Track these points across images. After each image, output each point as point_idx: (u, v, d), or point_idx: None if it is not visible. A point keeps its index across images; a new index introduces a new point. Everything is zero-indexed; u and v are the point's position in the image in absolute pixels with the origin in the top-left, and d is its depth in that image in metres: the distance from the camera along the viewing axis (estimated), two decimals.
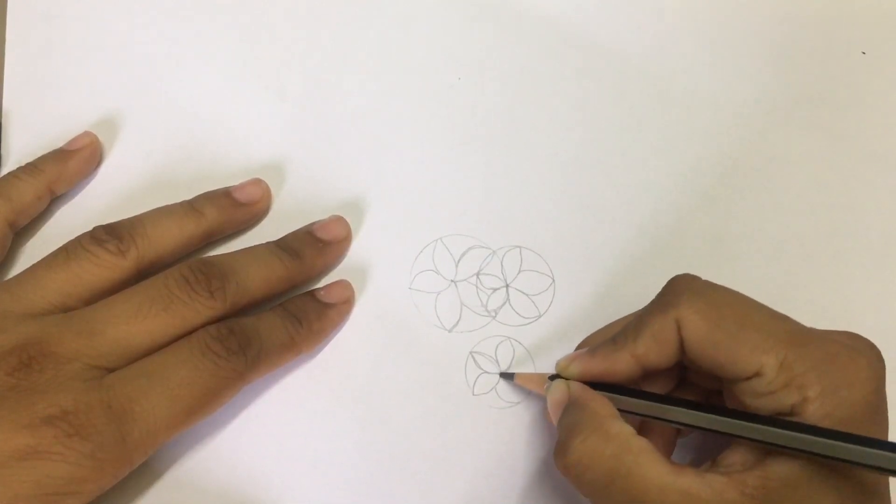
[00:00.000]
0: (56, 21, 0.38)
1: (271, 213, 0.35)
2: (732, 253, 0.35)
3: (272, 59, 0.37)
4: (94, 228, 0.31)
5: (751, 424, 0.24)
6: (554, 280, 0.34)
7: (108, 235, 0.30)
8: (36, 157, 0.34)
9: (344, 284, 0.33)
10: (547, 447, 0.32)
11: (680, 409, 0.26)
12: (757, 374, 0.25)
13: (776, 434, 0.24)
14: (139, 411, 0.27)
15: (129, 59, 0.37)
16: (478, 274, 0.34)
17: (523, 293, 0.34)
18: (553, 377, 0.30)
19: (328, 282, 0.34)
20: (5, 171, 0.34)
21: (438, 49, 0.38)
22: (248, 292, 0.31)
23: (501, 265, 0.34)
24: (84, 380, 0.27)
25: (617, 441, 0.25)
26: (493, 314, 0.34)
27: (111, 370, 0.28)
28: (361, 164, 0.36)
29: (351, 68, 0.37)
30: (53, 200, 0.34)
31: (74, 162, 0.34)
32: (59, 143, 0.35)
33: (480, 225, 0.35)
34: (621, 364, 0.28)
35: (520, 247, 0.35)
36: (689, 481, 0.24)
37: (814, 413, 0.24)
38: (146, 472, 0.30)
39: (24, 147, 0.36)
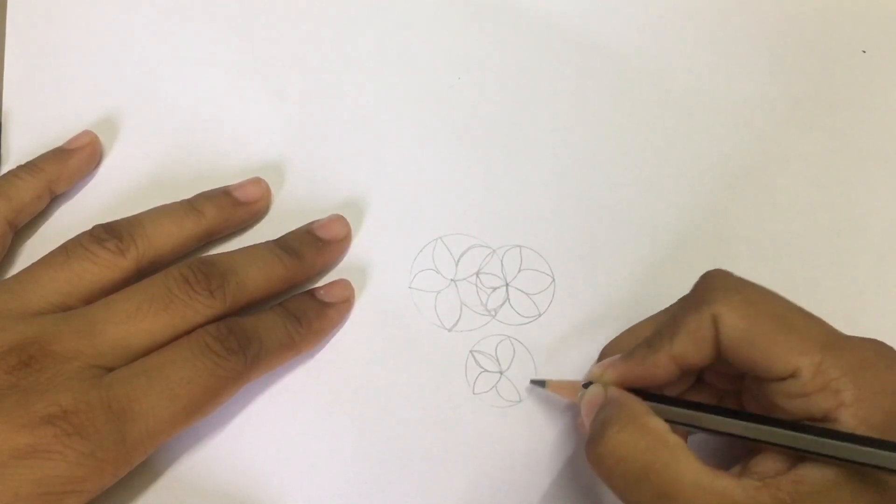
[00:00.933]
0: (56, 21, 0.38)
1: (271, 213, 0.35)
2: (732, 253, 0.35)
3: (272, 59, 0.37)
4: (94, 227, 0.31)
5: (789, 432, 0.24)
6: (554, 279, 0.34)
7: (108, 234, 0.30)
8: (36, 157, 0.34)
9: (344, 284, 0.33)
10: (547, 447, 0.32)
11: (717, 416, 0.26)
12: (792, 376, 0.25)
13: (812, 441, 0.24)
14: (139, 410, 0.27)
15: (129, 59, 0.37)
16: (478, 273, 0.34)
17: (523, 292, 0.34)
18: (586, 385, 0.29)
19: (328, 281, 0.34)
20: (5, 170, 0.34)
21: (438, 49, 0.38)
22: (247, 291, 0.31)
23: (501, 264, 0.34)
24: (84, 379, 0.27)
25: (654, 435, 0.25)
26: (493, 313, 0.34)
27: (111, 369, 0.28)
28: (361, 164, 0.36)
29: (351, 68, 0.37)
30: (53, 200, 0.34)
31: (74, 161, 0.34)
32: (59, 143, 0.35)
33: (480, 224, 0.35)
34: (659, 367, 0.27)
35: (520, 246, 0.35)
36: (725, 483, 0.24)
37: (849, 418, 0.24)
38: (146, 471, 0.30)
39: (24, 146, 0.36)
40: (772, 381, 0.25)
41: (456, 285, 0.34)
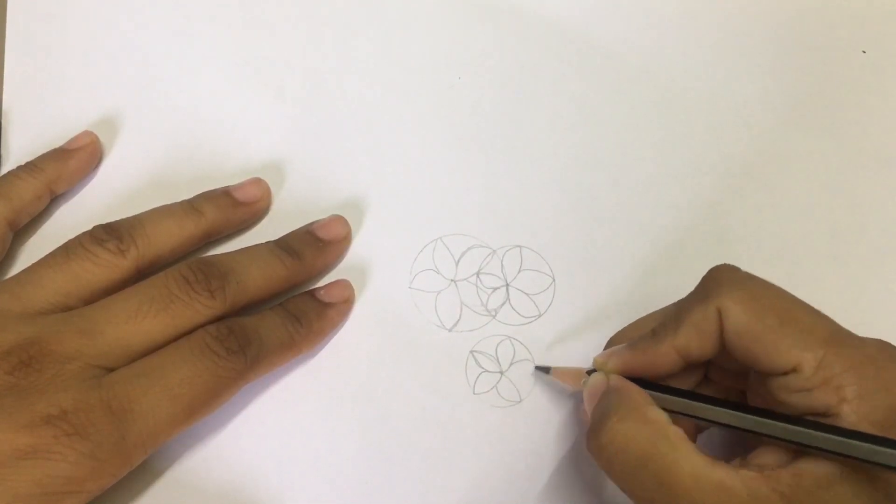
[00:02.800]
0: (56, 21, 0.38)
1: (271, 213, 0.35)
2: (732, 253, 0.35)
3: (272, 59, 0.37)
4: (94, 228, 0.31)
5: (789, 426, 0.24)
6: (554, 279, 0.34)
7: (108, 235, 0.30)
8: (36, 157, 0.34)
9: (344, 284, 0.33)
10: (547, 447, 0.32)
11: (718, 408, 0.26)
12: (794, 371, 0.25)
13: (813, 436, 0.24)
14: (139, 411, 0.27)
15: (129, 59, 0.37)
16: (478, 273, 0.34)
17: (523, 292, 0.34)
18: (590, 372, 0.29)
19: (328, 281, 0.34)
20: (5, 170, 0.34)
21: (438, 49, 0.38)
22: (247, 292, 0.31)
23: (501, 264, 0.34)
24: (84, 379, 0.27)
25: (654, 426, 0.25)
26: (494, 313, 0.34)
27: (111, 370, 0.28)
28: (361, 164, 0.36)
29: (351, 68, 0.37)
30: (53, 200, 0.34)
31: (74, 161, 0.34)
32: (59, 143, 0.35)
33: (480, 224, 0.35)
34: (663, 357, 0.27)
35: (520, 246, 0.35)
36: (724, 474, 0.24)
37: (851, 414, 0.24)
38: (146, 471, 0.30)
39: (24, 147, 0.36)
40: (774, 376, 0.25)
41: (456, 285, 0.34)
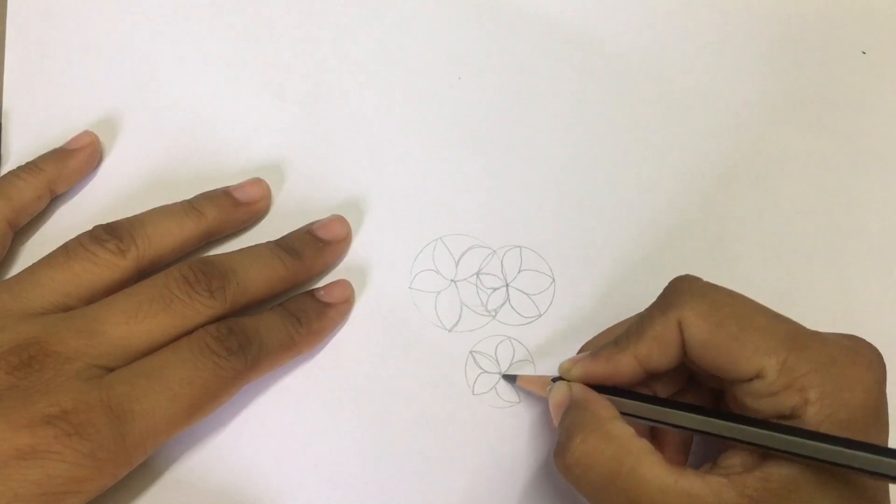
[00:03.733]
0: (56, 21, 0.38)
1: (271, 213, 0.35)
2: (732, 253, 0.35)
3: (272, 59, 0.37)
4: (94, 228, 0.31)
5: (750, 429, 0.24)
6: (554, 280, 0.34)
7: (108, 235, 0.30)
8: (36, 157, 0.34)
9: (344, 284, 0.33)
10: (547, 447, 0.32)
11: (679, 412, 0.26)
12: (758, 376, 0.25)
13: (776, 439, 0.24)
14: (139, 411, 0.27)
15: (129, 59, 0.37)
16: (478, 273, 0.34)
17: (523, 293, 0.34)
18: (556, 379, 0.30)
19: (328, 281, 0.34)
20: (5, 170, 0.34)
21: (438, 49, 0.38)
22: (248, 292, 0.31)
23: (501, 265, 0.34)
24: (84, 379, 0.27)
25: (618, 442, 0.25)
26: (493, 314, 0.34)
27: (111, 369, 0.28)
28: (361, 164, 0.36)
29: (351, 68, 0.37)
30: (53, 200, 0.34)
31: (74, 161, 0.34)
32: (59, 143, 0.35)
33: (480, 224, 0.35)
34: (624, 366, 0.28)
35: (520, 246, 0.35)
36: (690, 482, 0.24)
37: (814, 415, 0.24)
38: (146, 471, 0.30)
39: (24, 147, 0.36)
40: (739, 383, 0.26)
41: (456, 286, 0.34)
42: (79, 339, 0.28)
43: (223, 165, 0.36)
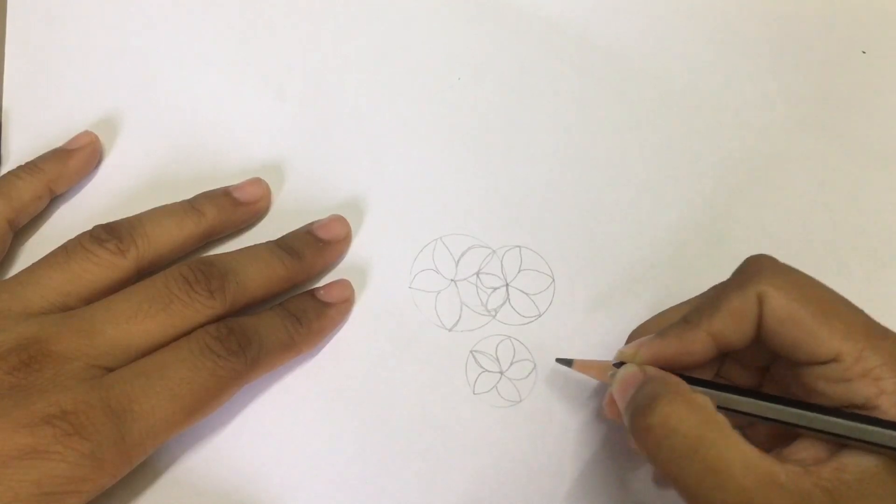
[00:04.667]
0: (56, 21, 0.38)
1: (271, 213, 0.35)
2: (732, 253, 0.35)
3: (272, 59, 0.37)
4: (94, 228, 0.31)
5: (828, 417, 0.24)
6: (554, 279, 0.34)
7: (108, 235, 0.30)
8: (36, 157, 0.34)
9: (344, 284, 0.33)
10: (548, 446, 0.32)
11: (759, 401, 0.26)
12: (835, 360, 0.25)
13: (855, 428, 0.23)
14: (139, 410, 0.27)
15: (129, 59, 0.37)
16: (478, 273, 0.34)
17: (523, 292, 0.34)
18: (617, 365, 0.29)
19: (328, 281, 0.34)
20: (5, 170, 0.34)
21: (438, 49, 0.38)
22: (247, 292, 0.31)
23: (501, 264, 0.34)
24: (84, 379, 0.27)
25: (703, 412, 0.25)
26: (494, 313, 0.34)
27: (111, 369, 0.28)
28: (361, 164, 0.36)
29: (351, 68, 0.37)
30: (53, 199, 0.34)
31: (74, 161, 0.34)
32: (59, 143, 0.35)
33: (480, 224, 0.35)
34: (697, 344, 0.27)
35: (520, 246, 0.35)
36: (772, 465, 0.24)
37: (890, 407, 0.24)
38: (146, 471, 0.30)
39: (24, 146, 0.36)
40: (812, 365, 0.25)
41: (456, 285, 0.34)
42: (78, 339, 0.28)
43: (223, 165, 0.36)
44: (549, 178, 0.36)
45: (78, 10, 0.38)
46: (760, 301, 0.26)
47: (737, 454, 0.24)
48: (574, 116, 0.37)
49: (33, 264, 0.30)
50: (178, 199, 0.33)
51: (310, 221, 0.34)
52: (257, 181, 0.35)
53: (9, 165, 0.35)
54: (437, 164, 0.36)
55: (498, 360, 0.33)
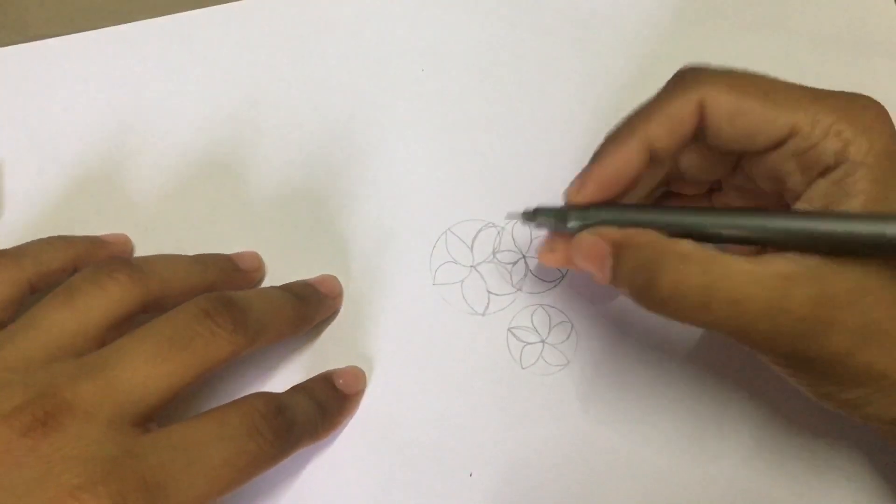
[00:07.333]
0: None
1: (270, 221, 0.35)
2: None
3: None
4: (99, 261, 0.29)
5: (818, 222, 0.24)
6: None
7: (118, 265, 0.29)
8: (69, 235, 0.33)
9: (357, 374, 0.32)
10: (603, 398, 0.31)
11: (725, 217, 0.25)
12: (792, 133, 0.25)
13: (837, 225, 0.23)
14: (174, 489, 0.24)
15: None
16: (493, 253, 0.34)
17: None
18: (569, 208, 0.28)
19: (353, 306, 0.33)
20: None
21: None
22: (265, 329, 0.29)
23: (513, 239, 0.34)
24: (112, 441, 0.24)
25: (695, 259, 0.24)
26: (519, 287, 0.33)
27: (135, 419, 0.25)
28: (362, 167, 0.36)
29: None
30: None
31: (104, 253, 0.34)
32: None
33: (483, 205, 0.35)
34: (630, 152, 0.27)
35: None
36: (777, 263, 0.24)
37: (857, 151, 0.24)
38: None
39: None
40: (774, 150, 0.26)
41: (477, 270, 0.34)
42: (94, 387, 0.25)
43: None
44: (541, 146, 0.35)
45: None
46: (702, 105, 0.26)
47: (745, 276, 0.24)
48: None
49: (33, 307, 0.27)
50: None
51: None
52: (254, 254, 0.34)
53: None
54: (425, 158, 0.36)
55: (536, 329, 0.32)
